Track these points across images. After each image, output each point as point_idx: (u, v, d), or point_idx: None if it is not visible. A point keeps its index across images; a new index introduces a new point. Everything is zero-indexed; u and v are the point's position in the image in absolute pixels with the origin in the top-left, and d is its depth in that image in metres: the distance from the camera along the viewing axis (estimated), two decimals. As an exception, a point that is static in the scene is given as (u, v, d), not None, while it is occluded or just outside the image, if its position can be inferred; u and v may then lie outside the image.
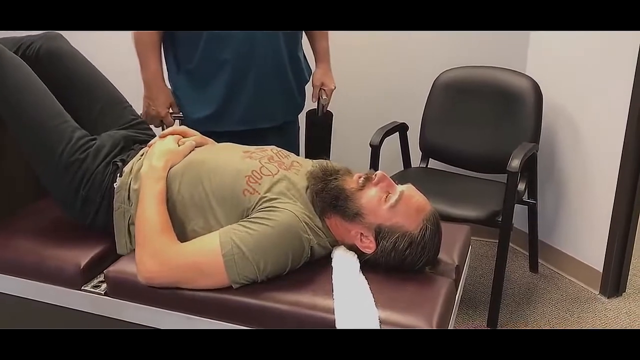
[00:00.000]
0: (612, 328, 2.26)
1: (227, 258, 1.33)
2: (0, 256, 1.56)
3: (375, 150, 2.37)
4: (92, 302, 1.47)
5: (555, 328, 2.25)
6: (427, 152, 2.63)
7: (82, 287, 1.49)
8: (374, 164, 2.37)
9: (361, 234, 1.42)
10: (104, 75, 1.82)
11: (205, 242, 1.38)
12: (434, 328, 1.25)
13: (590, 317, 2.33)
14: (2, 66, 1.58)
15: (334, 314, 1.29)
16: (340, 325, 1.27)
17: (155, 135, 1.85)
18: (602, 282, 2.45)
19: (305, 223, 1.40)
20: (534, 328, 2.25)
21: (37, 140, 1.58)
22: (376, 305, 1.29)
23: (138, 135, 1.75)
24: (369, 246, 1.42)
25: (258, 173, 1.48)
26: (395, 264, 1.41)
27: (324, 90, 2.22)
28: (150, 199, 1.45)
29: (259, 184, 1.45)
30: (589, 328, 2.26)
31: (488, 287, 2.37)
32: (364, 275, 1.39)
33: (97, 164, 1.58)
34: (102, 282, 1.50)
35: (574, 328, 2.26)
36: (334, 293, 1.33)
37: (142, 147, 1.68)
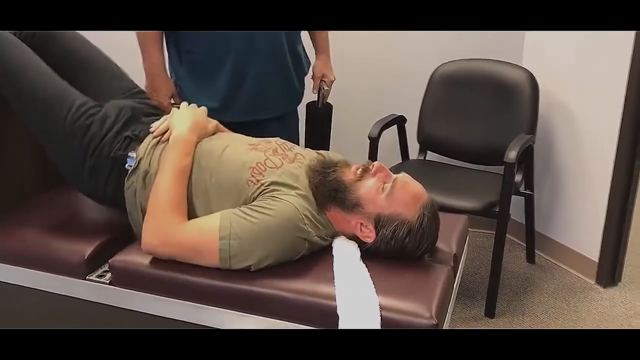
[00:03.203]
0: (608, 317, 2.29)
1: (222, 242, 1.37)
2: (6, 247, 1.58)
3: (374, 142, 2.40)
4: (97, 291, 1.49)
5: (552, 318, 2.29)
6: (425, 144, 2.66)
7: (87, 277, 1.51)
8: (373, 156, 2.39)
9: (361, 223, 1.45)
10: (101, 51, 1.84)
11: (205, 223, 1.41)
12: (434, 315, 1.28)
13: (586, 307, 2.36)
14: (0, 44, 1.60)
15: (335, 301, 1.31)
16: (341, 311, 1.29)
17: (156, 105, 1.87)
18: (598, 272, 2.49)
19: (305, 216, 1.42)
20: (531, 318, 2.29)
21: (39, 111, 1.59)
22: (376, 292, 1.32)
23: (142, 106, 1.75)
24: (368, 235, 1.44)
25: (262, 165, 1.50)
26: (395, 252, 1.43)
27: (325, 81, 2.25)
28: (171, 172, 1.47)
29: (263, 176, 1.47)
30: (586, 317, 2.29)
31: (485, 277, 2.39)
32: (364, 263, 1.42)
33: (104, 132, 1.59)
34: (106, 271, 1.52)
35: (570, 317, 2.29)
36: (335, 281, 1.35)
37: (152, 120, 1.68)
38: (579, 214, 2.53)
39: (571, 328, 2.23)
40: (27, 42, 1.69)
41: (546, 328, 2.23)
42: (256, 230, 1.37)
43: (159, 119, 1.69)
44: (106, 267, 1.54)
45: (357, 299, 1.31)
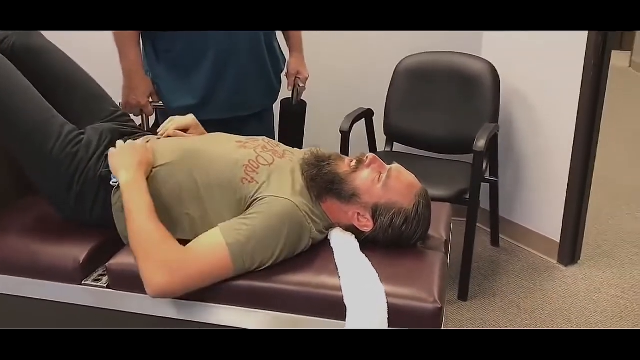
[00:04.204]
0: (571, 294, 2.43)
1: (235, 257, 1.35)
2: (-5, 256, 1.54)
3: (345, 136, 2.44)
4: (94, 296, 1.47)
5: (521, 297, 2.40)
6: (391, 136, 2.72)
7: (83, 282, 1.49)
8: (345, 149, 2.43)
9: (358, 213, 1.48)
10: (82, 68, 1.80)
11: (211, 243, 1.36)
12: (437, 298, 1.33)
13: (551, 285, 2.49)
14: None
15: (341, 291, 1.35)
16: (348, 301, 1.33)
17: (137, 126, 1.85)
18: (560, 252, 2.63)
19: (305, 212, 1.44)
20: (502, 298, 2.39)
21: (25, 137, 1.55)
22: (380, 280, 1.36)
23: (122, 127, 1.74)
24: (366, 225, 1.48)
25: (255, 162, 1.51)
26: (393, 239, 1.48)
27: (299, 78, 2.27)
28: (140, 213, 1.39)
29: (257, 172, 1.48)
30: (552, 295, 2.41)
31: (455, 262, 2.47)
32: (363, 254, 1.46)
33: (88, 158, 1.57)
34: (102, 275, 1.50)
35: (538, 296, 2.41)
36: (339, 272, 1.39)
37: (130, 140, 1.67)
38: (540, 198, 2.65)
39: (539, 305, 2.35)
40: (5, 55, 1.64)
41: (516, 307, 2.33)
42: (262, 235, 1.37)
43: (136, 139, 1.66)
44: (101, 271, 1.52)
45: (362, 288, 1.35)
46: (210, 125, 1.80)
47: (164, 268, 1.33)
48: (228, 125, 1.92)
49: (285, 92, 2.33)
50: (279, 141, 2.32)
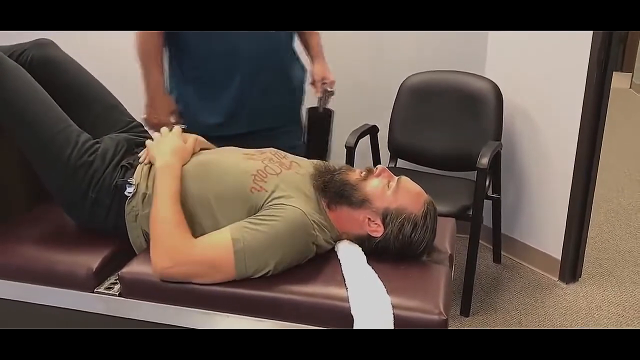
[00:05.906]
0: (572, 311, 2.45)
1: (238, 255, 1.40)
2: (9, 263, 1.57)
3: (350, 151, 2.49)
4: (106, 303, 1.50)
5: (522, 314, 2.42)
6: (396, 152, 2.76)
7: (95, 290, 1.52)
8: (349, 164, 2.47)
9: (369, 218, 1.52)
10: (98, 80, 1.85)
11: (217, 238, 1.43)
12: (442, 310, 1.36)
13: (552, 302, 2.51)
14: (3, 73, 1.59)
15: (348, 302, 1.38)
16: (355, 312, 1.36)
17: (151, 137, 1.89)
18: (561, 269, 2.65)
19: (313, 220, 1.48)
20: (503, 314, 2.42)
21: (43, 145, 1.60)
22: (387, 292, 1.39)
23: (137, 137, 1.79)
24: (376, 230, 1.52)
25: (263, 172, 1.55)
26: (402, 246, 1.52)
27: (326, 83, 2.20)
28: (165, 198, 1.48)
29: (266, 182, 1.53)
30: (553, 312, 2.44)
31: (457, 278, 2.51)
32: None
33: (105, 166, 1.62)
34: (113, 283, 1.53)
35: (539, 312, 2.43)
36: (346, 282, 1.42)
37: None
38: (542, 216, 2.69)
39: (541, 322, 2.37)
40: (24, 67, 1.69)
41: (518, 323, 2.36)
42: (269, 238, 1.42)
43: None
44: (112, 279, 1.55)
45: (369, 299, 1.38)
46: (236, 139, 1.84)
47: (169, 254, 1.42)
48: (256, 139, 1.96)
49: (309, 102, 2.28)
50: (307, 150, 2.32)
